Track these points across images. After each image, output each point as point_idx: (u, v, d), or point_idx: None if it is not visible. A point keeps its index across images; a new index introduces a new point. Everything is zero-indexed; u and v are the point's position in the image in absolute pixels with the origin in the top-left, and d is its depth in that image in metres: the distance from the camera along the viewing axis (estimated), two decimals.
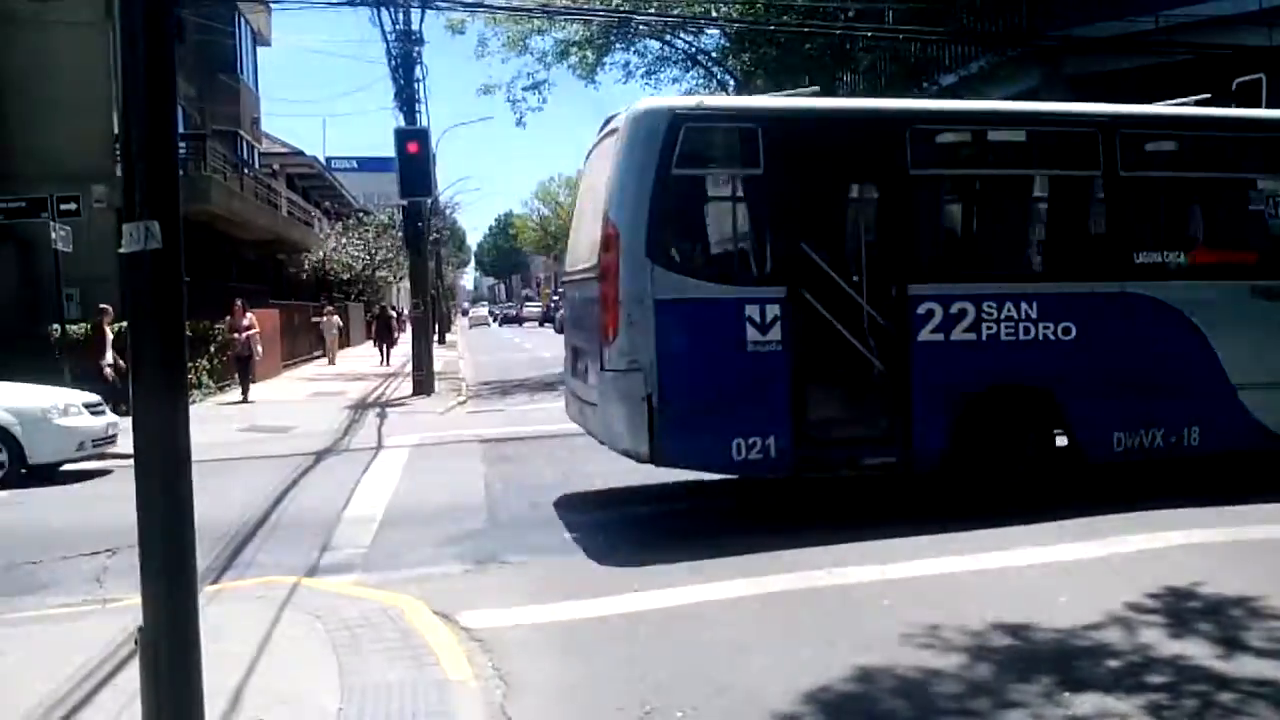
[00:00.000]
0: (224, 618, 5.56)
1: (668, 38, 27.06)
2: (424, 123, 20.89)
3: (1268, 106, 15.13)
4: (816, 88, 10.88)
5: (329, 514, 9.02)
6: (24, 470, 11.48)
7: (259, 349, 20.53)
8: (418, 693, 4.81)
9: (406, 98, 20.29)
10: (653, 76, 28.77)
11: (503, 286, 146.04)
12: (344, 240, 38.78)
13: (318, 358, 32.34)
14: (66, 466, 11.98)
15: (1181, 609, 5.74)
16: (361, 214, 42.91)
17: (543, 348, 38.55)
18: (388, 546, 7.94)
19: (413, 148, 18.55)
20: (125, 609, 5.58)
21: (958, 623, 5.55)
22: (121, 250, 3.75)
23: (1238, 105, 15.25)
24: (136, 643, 3.69)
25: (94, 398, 12.73)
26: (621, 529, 8.21)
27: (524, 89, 27.29)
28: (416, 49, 20.33)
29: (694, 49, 27.70)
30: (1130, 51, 20.70)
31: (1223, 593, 5.93)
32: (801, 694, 4.73)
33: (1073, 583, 6.29)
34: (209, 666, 3.79)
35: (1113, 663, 5.00)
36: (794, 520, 8.20)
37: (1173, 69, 20.16)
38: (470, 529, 8.38)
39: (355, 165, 61.22)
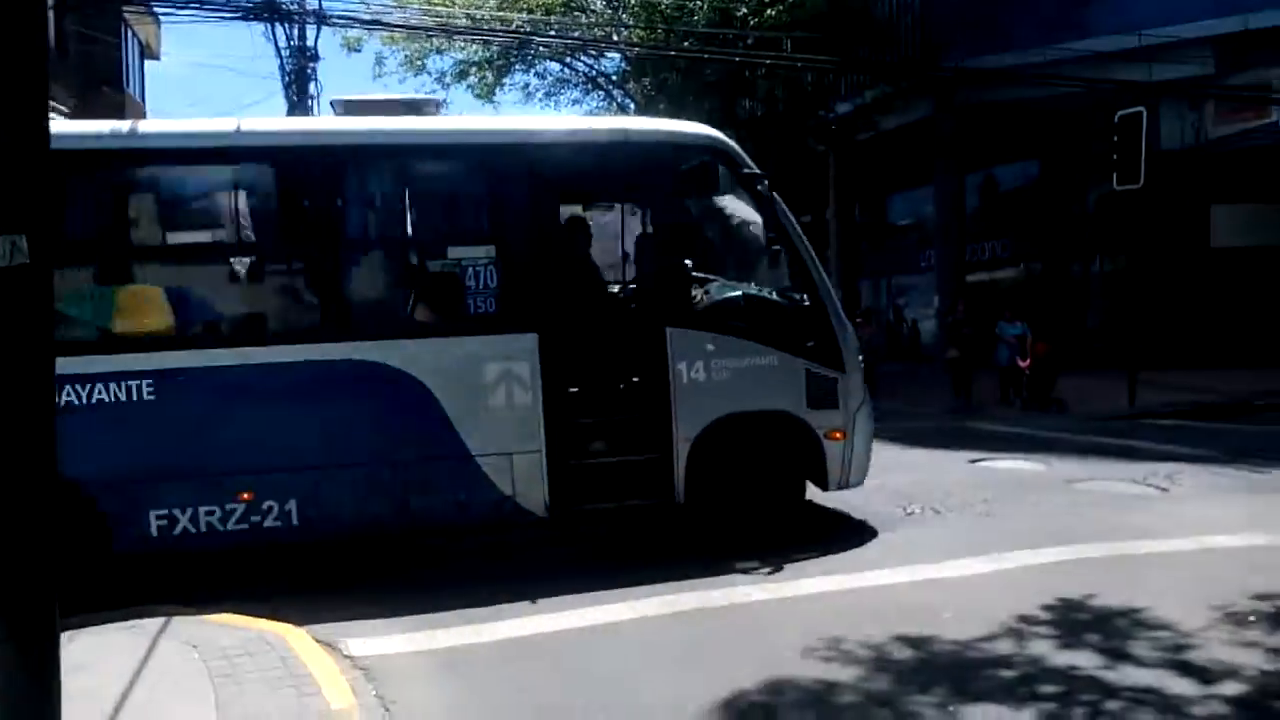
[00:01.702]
0: (91, 651, 5.33)
1: (568, 60, 27.11)
2: None
3: (1147, 139, 15.86)
4: None
5: None
6: None
7: None
8: None
9: (301, 114, 19.94)
10: (553, 98, 28.81)
11: None
12: None
13: None
14: None
15: (1070, 620, 5.91)
16: None
17: None
18: (270, 574, 7.70)
19: None
20: None
21: (858, 637, 5.63)
22: None
23: (1120, 138, 15.98)
24: None
25: None
26: (511, 555, 8.13)
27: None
28: (311, 65, 20.00)
29: (595, 72, 27.79)
30: (1019, 84, 21.43)
31: (1108, 604, 6.13)
32: (700, 710, 4.74)
33: (964, 598, 6.40)
34: (74, 704, 3.61)
35: (1006, 673, 5.12)
36: (681, 545, 8.24)
37: (1059, 100, 20.96)
38: (356, 556, 8.18)
39: None
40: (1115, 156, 16.12)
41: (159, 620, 6.08)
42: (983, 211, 26.90)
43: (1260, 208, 21.21)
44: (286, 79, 19.96)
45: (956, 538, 8.03)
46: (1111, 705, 4.67)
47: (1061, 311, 22.18)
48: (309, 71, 20.03)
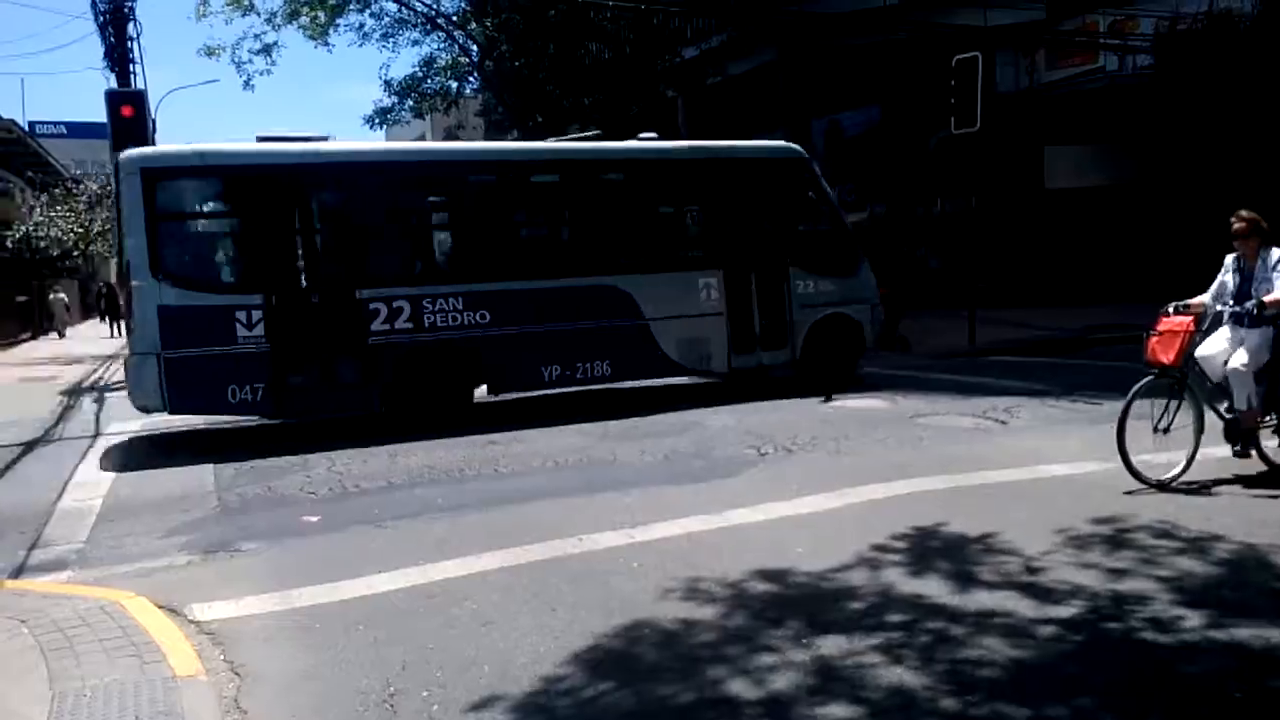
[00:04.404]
0: None
1: None
2: (140, 84, 19.36)
3: (983, 83, 16.33)
4: None
5: (39, 508, 8.24)
6: None
7: None
8: (141, 692, 4.45)
9: (119, 57, 18.72)
10: (390, 39, 27.92)
11: None
12: (51, 213, 35.41)
13: (24, 340, 29.70)
14: None
15: (919, 549, 6.08)
16: (71, 184, 39.34)
17: None
18: (107, 540, 7.32)
19: (127, 111, 17.10)
20: None
21: (715, 576, 5.68)
22: None
23: (957, 82, 16.41)
24: None
25: None
26: (361, 510, 7.89)
27: (252, 52, 25.86)
28: (129, 4, 18.79)
29: (433, 11, 27.01)
30: (862, 30, 21.77)
31: (955, 532, 6.34)
32: (557, 659, 4.70)
33: (814, 533, 6.52)
34: None
35: (858, 604, 5.22)
36: (534, 490, 8.19)
37: (899, 45, 21.40)
38: (199, 517, 7.86)
39: (64, 130, 56.01)
40: (953, 100, 16.55)
41: None
42: (828, 156, 27.36)
43: (1090, 149, 22.16)
44: (100, 18, 18.70)
45: (809, 475, 8.18)
46: (957, 630, 4.80)
47: (905, 253, 22.81)
48: (126, 10, 18.79)
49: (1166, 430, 7.31)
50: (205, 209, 11.45)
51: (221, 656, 4.99)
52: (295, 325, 10.71)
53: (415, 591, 5.80)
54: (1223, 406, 7.54)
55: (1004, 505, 6.96)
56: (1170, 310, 7.52)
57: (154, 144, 15.91)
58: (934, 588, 5.39)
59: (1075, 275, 21.38)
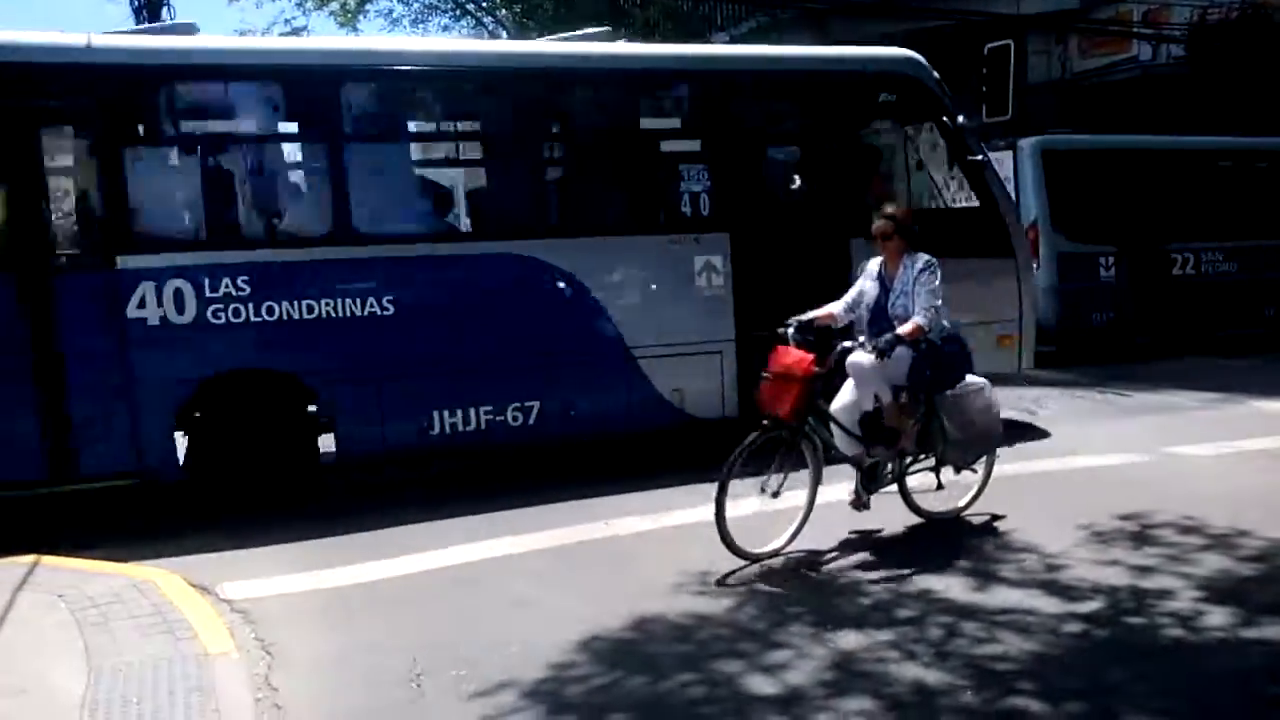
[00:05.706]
0: None
1: None
2: None
3: (1016, 71, 16.21)
4: None
5: None
6: None
7: None
8: (174, 668, 4.53)
9: None
10: (420, 25, 27.95)
11: None
12: None
13: None
14: None
15: (944, 541, 6.11)
16: None
17: None
18: (140, 519, 7.43)
19: None
20: None
21: (739, 563, 5.70)
22: None
23: (989, 70, 16.28)
24: None
25: None
26: (390, 493, 7.98)
27: (283, 36, 25.96)
28: None
29: None
30: (893, 15, 21.61)
31: (978, 525, 6.34)
32: (577, 644, 4.74)
33: (838, 521, 6.48)
34: None
35: (875, 598, 5.23)
36: (556, 475, 8.24)
37: (931, 33, 21.21)
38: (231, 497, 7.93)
39: None
40: (984, 89, 16.40)
41: (20, 570, 5.82)
42: None
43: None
44: (135, 3, 18.82)
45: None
46: (970, 625, 4.78)
47: None
48: None
49: (776, 494, 5.85)
50: (1078, 180, 14.08)
51: (252, 635, 5.06)
52: (1147, 273, 14.15)
53: (444, 573, 5.87)
54: (854, 453, 6.24)
55: (1032, 497, 6.94)
56: (790, 335, 5.99)
57: None
58: (953, 581, 5.40)
59: None
